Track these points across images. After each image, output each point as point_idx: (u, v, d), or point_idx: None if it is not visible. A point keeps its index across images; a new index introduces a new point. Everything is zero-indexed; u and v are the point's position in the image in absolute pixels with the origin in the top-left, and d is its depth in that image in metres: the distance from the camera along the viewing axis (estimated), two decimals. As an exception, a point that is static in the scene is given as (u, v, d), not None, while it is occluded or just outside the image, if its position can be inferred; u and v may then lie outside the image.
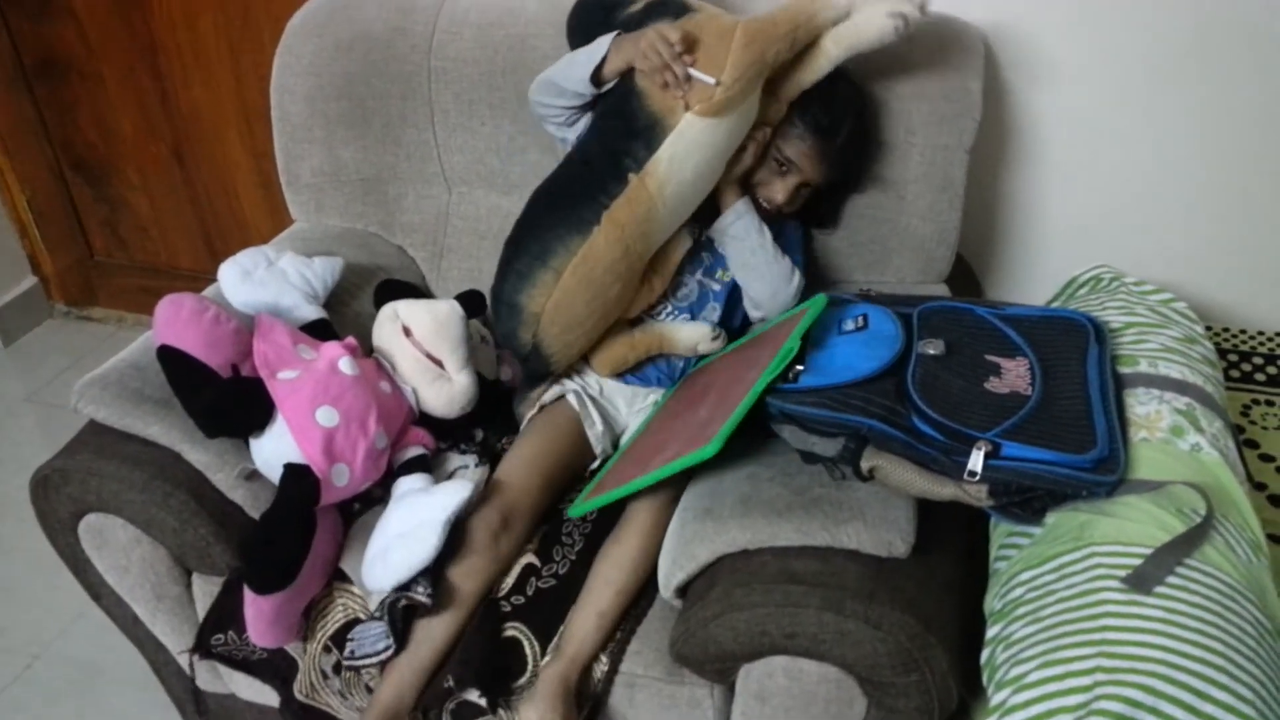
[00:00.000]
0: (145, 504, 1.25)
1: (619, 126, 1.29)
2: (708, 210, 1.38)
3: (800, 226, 1.48)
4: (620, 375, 1.43)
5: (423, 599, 1.16)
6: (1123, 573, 0.96)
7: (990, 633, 1.05)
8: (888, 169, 1.43)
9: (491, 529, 1.24)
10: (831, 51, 1.30)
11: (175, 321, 1.25)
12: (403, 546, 1.17)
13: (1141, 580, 0.95)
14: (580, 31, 1.38)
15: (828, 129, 1.35)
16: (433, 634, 1.19)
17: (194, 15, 2.11)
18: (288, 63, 1.59)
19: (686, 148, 1.26)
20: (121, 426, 1.28)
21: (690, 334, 1.40)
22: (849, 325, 1.25)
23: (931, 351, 1.18)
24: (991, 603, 1.08)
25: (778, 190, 1.38)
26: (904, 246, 1.47)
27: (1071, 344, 1.21)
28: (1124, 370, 1.21)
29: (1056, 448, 1.05)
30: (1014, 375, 1.17)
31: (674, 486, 1.25)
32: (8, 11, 2.24)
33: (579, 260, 1.27)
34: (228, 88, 2.19)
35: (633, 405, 1.44)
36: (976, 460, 1.05)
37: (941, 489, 1.08)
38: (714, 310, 1.44)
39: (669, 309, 1.43)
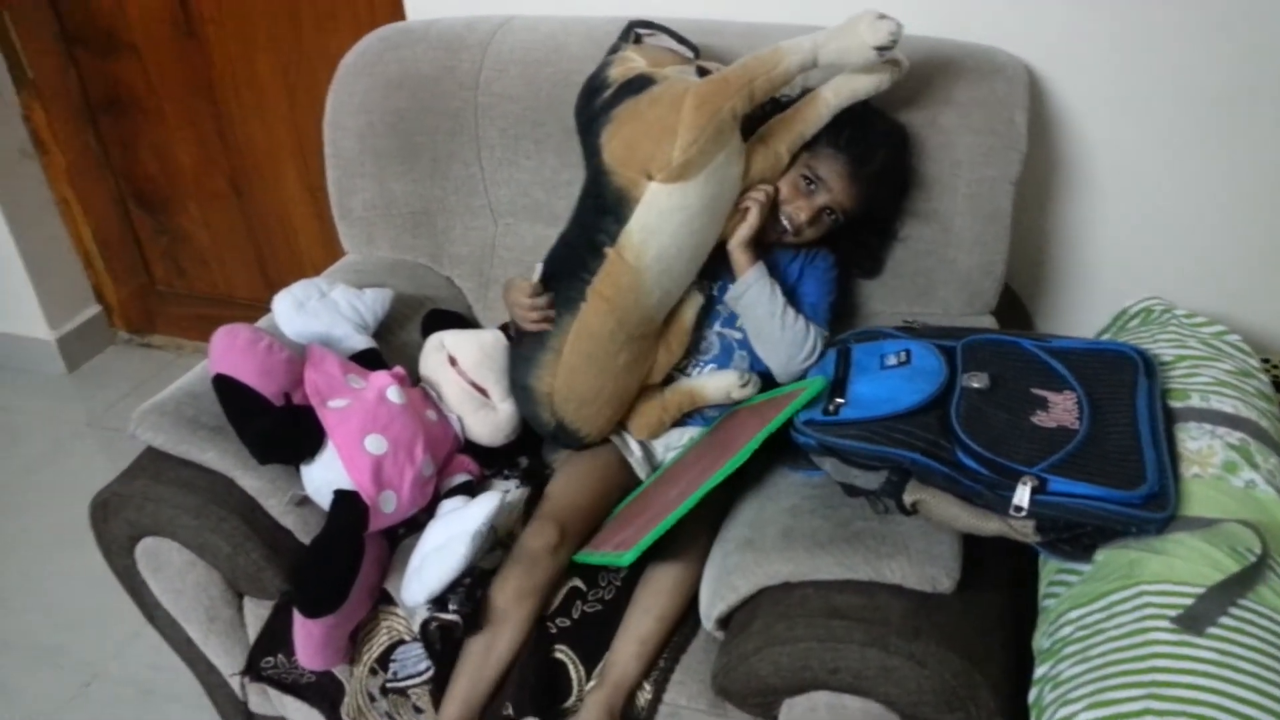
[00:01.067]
0: (199, 528, 1.28)
1: (591, 205, 1.32)
2: (724, 265, 1.38)
3: (834, 265, 1.45)
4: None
5: (451, 618, 1.17)
6: (1173, 612, 0.94)
7: (1038, 672, 1.03)
8: (933, 201, 1.43)
9: (550, 543, 1.26)
10: (831, 101, 1.31)
11: (230, 351, 1.28)
12: (437, 561, 1.19)
13: (1193, 620, 0.94)
14: (580, 124, 1.38)
15: (861, 155, 1.34)
16: (491, 655, 1.21)
17: (251, 53, 2.18)
18: (341, 100, 1.64)
19: (658, 216, 1.27)
20: (177, 453, 1.32)
21: (719, 384, 1.39)
22: (891, 360, 1.25)
23: (976, 385, 1.17)
24: (1039, 641, 1.07)
25: (802, 209, 1.35)
26: (950, 279, 1.47)
27: (1121, 377, 1.19)
28: (1175, 404, 1.19)
29: (1105, 483, 1.03)
30: (1061, 409, 1.15)
31: (713, 514, 1.25)
32: (76, 49, 2.32)
33: (574, 337, 1.31)
34: (283, 123, 2.25)
35: (669, 441, 1.44)
36: (1022, 495, 1.04)
37: (987, 524, 1.07)
38: (742, 359, 1.42)
39: (696, 365, 1.43)
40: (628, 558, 1.16)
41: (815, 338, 1.36)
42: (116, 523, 1.32)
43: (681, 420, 1.43)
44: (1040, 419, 1.14)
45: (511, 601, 1.22)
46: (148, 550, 1.34)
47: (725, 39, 1.49)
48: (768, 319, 1.35)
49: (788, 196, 1.36)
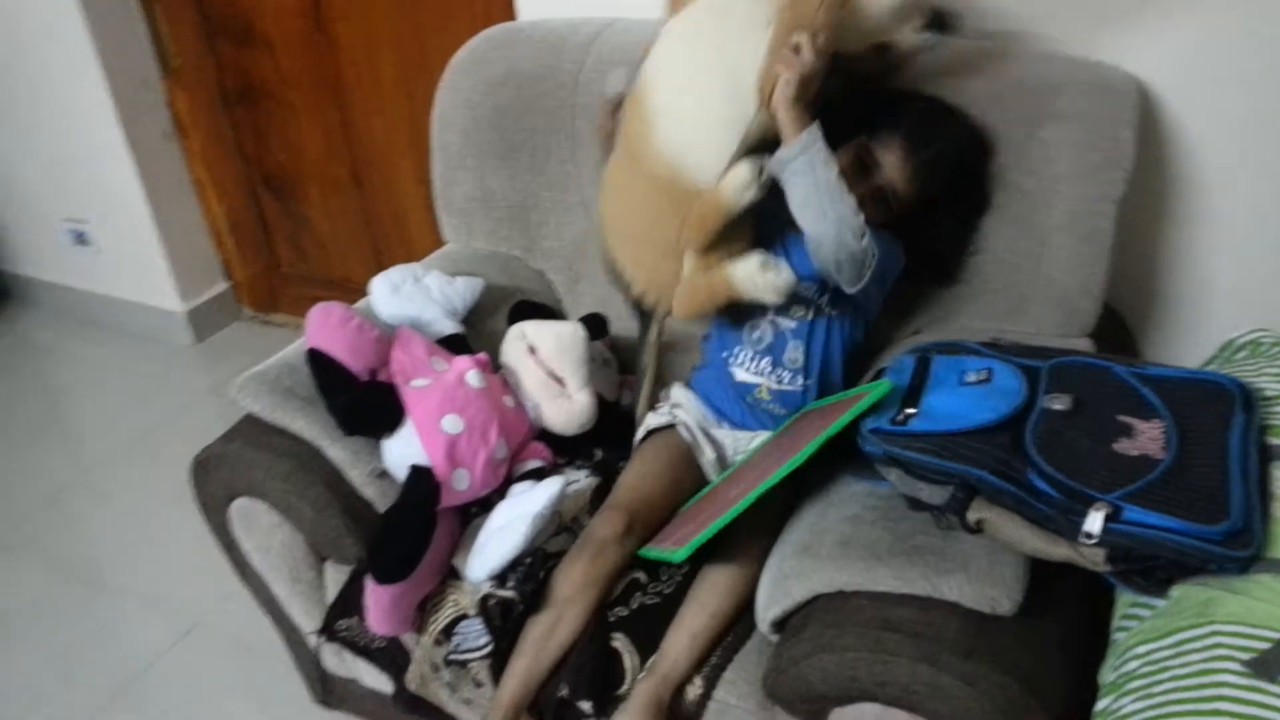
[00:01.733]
0: (287, 492, 1.35)
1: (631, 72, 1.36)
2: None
3: (901, 247, 1.39)
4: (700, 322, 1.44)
5: (510, 594, 1.20)
6: (1246, 655, 0.90)
7: (1099, 705, 0.99)
8: (1028, 215, 1.39)
9: (617, 531, 1.28)
10: None
11: (324, 327, 1.35)
12: (499, 539, 1.23)
13: (1265, 666, 0.89)
14: None
15: (919, 140, 1.33)
16: (552, 637, 1.24)
17: (375, 51, 2.28)
18: (448, 96, 1.70)
19: (667, 49, 1.29)
20: (272, 420, 1.39)
21: (745, 266, 1.29)
22: (971, 377, 1.22)
23: (1057, 407, 1.14)
24: (1105, 674, 1.03)
25: (859, 188, 1.30)
26: (1043, 297, 1.42)
27: (1215, 409, 1.13)
28: (1273, 441, 1.13)
29: (1184, 516, 0.98)
30: (1147, 437, 1.11)
31: (776, 516, 1.25)
32: (216, 39, 2.47)
33: (605, 181, 1.40)
34: (402, 118, 2.34)
35: (737, 444, 1.44)
36: (1094, 522, 1.01)
37: (1054, 549, 1.04)
38: (797, 349, 1.40)
39: (747, 353, 1.41)
40: (680, 554, 1.18)
41: (869, 234, 1.26)
42: (213, 481, 1.41)
43: (748, 424, 1.43)
44: (1123, 446, 1.10)
45: (577, 587, 1.25)
46: (240, 510, 1.42)
47: None
48: (816, 189, 1.22)
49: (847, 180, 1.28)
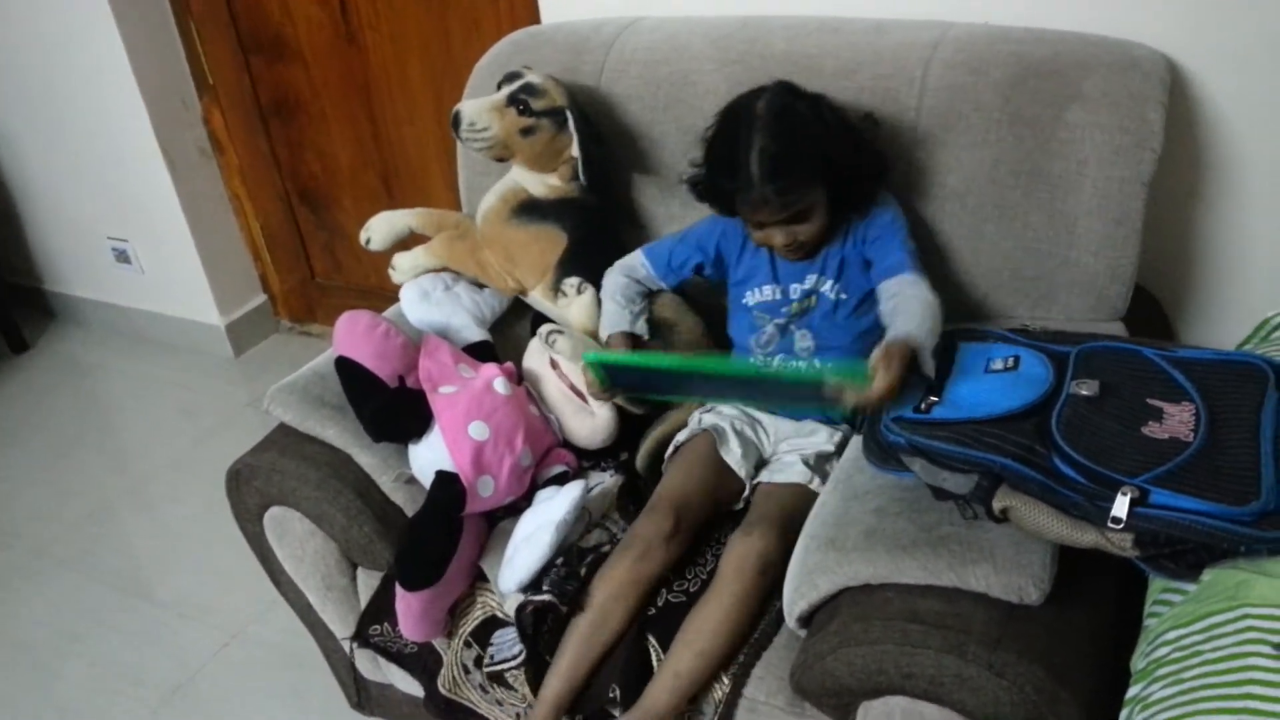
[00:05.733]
0: (319, 500, 1.37)
1: None
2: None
3: (896, 214, 1.37)
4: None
5: (545, 599, 1.21)
6: (1277, 638, 0.87)
7: (1130, 692, 0.97)
8: (1056, 200, 1.37)
9: (664, 531, 1.28)
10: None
11: (351, 335, 1.37)
12: (526, 550, 1.23)
13: (1299, 649, 0.86)
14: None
15: (741, 177, 1.27)
16: (597, 637, 1.25)
17: (404, 59, 2.31)
18: (472, 100, 1.71)
19: None
20: (303, 429, 1.42)
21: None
22: (998, 365, 1.20)
23: (1084, 392, 1.12)
24: (1136, 661, 1.01)
25: (774, 238, 1.33)
26: (1073, 282, 1.40)
27: (1247, 391, 1.11)
28: (1309, 421, 1.10)
29: (1212, 498, 0.96)
30: (1176, 421, 1.08)
31: (785, 519, 1.26)
32: (250, 56, 2.52)
33: None
34: (431, 124, 2.37)
35: (779, 432, 1.43)
36: (1121, 506, 0.99)
37: (1082, 535, 1.02)
38: (805, 336, 1.40)
39: (759, 357, 1.42)
40: (588, 356, 1.31)
41: (928, 293, 1.29)
42: (248, 491, 1.43)
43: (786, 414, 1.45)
44: (1152, 430, 1.08)
45: (622, 585, 1.25)
46: (274, 518, 1.44)
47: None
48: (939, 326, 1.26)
49: (756, 236, 1.36)
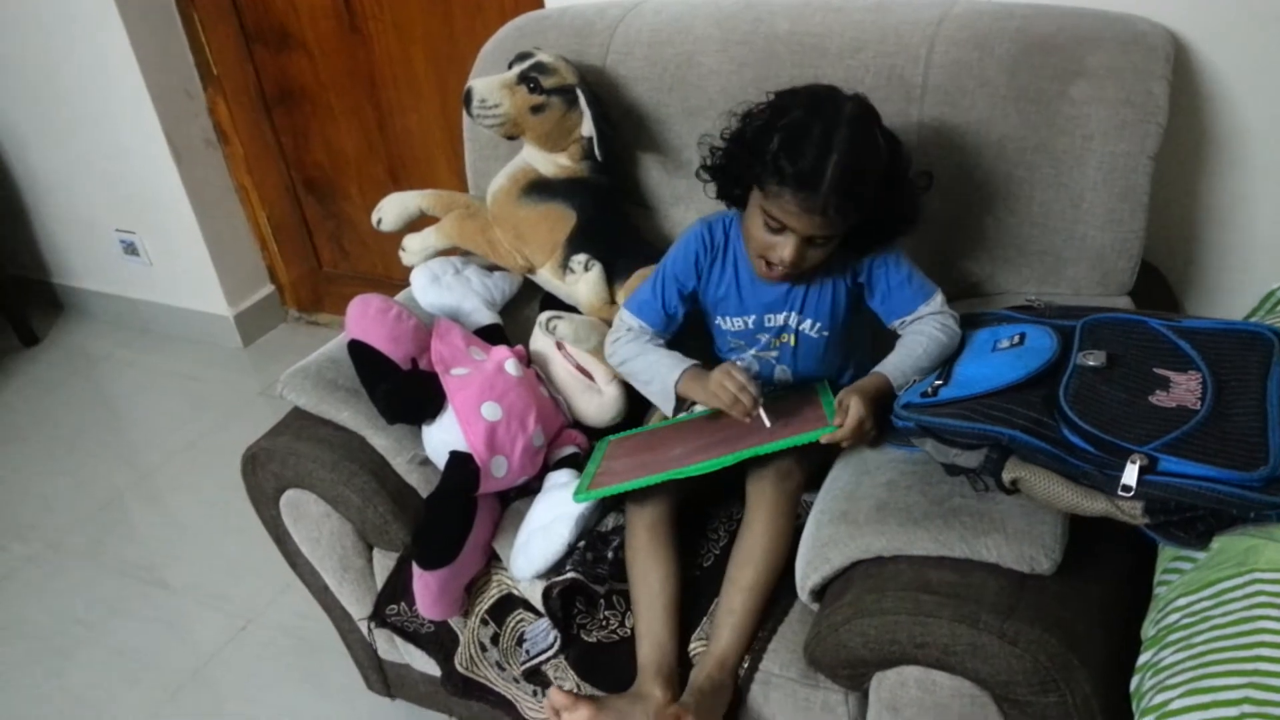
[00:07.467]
0: (334, 482, 1.38)
1: None
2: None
3: (900, 254, 1.33)
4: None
5: (570, 577, 1.22)
6: (1287, 602, 0.89)
7: (1141, 659, 0.98)
8: (1061, 175, 1.37)
9: (666, 510, 1.29)
10: None
11: (363, 318, 1.38)
12: (542, 540, 1.24)
13: (1309, 612, 0.88)
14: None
15: (807, 175, 1.15)
16: (661, 593, 1.24)
17: (407, 46, 2.31)
18: (477, 85, 1.71)
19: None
20: (317, 412, 1.43)
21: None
22: (1004, 344, 1.21)
23: (1091, 363, 1.13)
24: (1147, 628, 1.02)
25: (784, 249, 1.21)
26: (1080, 257, 1.40)
27: (1254, 359, 1.12)
28: (1317, 389, 1.11)
29: (1220, 464, 0.97)
30: (1183, 389, 1.09)
31: (793, 488, 1.28)
32: (254, 46, 2.52)
33: None
34: (436, 113, 2.37)
35: None
36: (1130, 474, 1.00)
37: (1092, 504, 1.03)
38: (784, 371, 1.39)
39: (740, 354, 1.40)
40: (580, 497, 1.27)
41: (947, 317, 1.29)
42: (263, 475, 1.45)
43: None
44: (1159, 399, 1.09)
45: (646, 549, 1.26)
46: (290, 502, 1.45)
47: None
48: (933, 364, 1.26)
49: (762, 239, 1.24)
